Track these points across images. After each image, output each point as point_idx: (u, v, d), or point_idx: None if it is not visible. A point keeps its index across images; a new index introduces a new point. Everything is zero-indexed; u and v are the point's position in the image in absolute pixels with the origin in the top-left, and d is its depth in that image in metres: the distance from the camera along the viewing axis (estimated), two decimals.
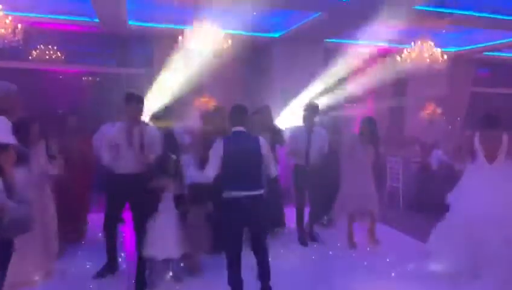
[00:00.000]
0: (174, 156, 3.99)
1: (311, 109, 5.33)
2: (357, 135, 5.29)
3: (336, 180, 5.77)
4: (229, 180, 3.51)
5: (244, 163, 3.51)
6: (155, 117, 4.85)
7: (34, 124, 3.81)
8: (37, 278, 3.84)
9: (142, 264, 3.94)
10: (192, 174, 3.84)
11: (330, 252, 5.07)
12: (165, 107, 5.35)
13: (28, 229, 1.73)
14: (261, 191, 3.58)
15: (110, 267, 4.21)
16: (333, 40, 8.63)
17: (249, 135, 3.71)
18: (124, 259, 4.59)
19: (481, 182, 4.07)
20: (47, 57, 8.33)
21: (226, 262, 3.61)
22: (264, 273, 3.65)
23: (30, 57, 8.35)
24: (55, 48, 8.37)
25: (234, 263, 3.57)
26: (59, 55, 8.41)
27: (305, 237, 5.34)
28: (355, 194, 5.12)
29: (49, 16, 7.39)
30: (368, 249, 5.19)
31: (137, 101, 4.03)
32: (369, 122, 5.18)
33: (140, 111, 4.07)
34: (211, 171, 3.52)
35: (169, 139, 4.52)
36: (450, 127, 10.26)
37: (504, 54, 10.00)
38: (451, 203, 4.36)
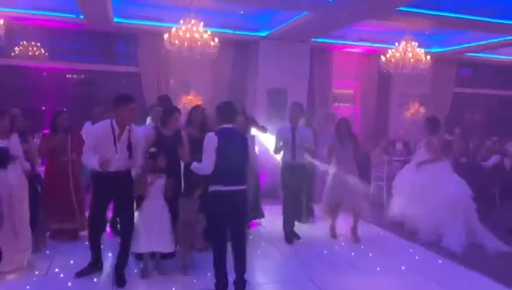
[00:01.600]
0: (153, 149, 4.08)
1: (297, 108, 5.46)
2: (334, 133, 5.62)
3: (311, 179, 5.91)
4: (219, 174, 3.59)
5: (233, 158, 3.61)
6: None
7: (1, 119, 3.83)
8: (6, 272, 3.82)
9: (123, 259, 3.97)
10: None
11: (312, 248, 5.13)
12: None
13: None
14: (245, 186, 3.73)
15: (93, 266, 4.16)
16: (320, 39, 8.69)
17: (238, 132, 3.87)
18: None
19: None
20: (30, 53, 8.19)
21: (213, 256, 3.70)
22: (240, 265, 3.71)
23: (12, 54, 8.20)
24: (38, 44, 8.23)
25: (221, 256, 3.67)
26: (42, 51, 8.27)
27: (291, 235, 5.39)
28: (336, 187, 5.42)
29: (33, 12, 7.26)
30: (351, 245, 5.28)
31: (134, 104, 3.89)
32: (344, 123, 5.56)
33: (136, 115, 3.96)
34: (210, 164, 3.60)
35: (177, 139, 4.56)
36: None
37: (485, 55, 10.20)
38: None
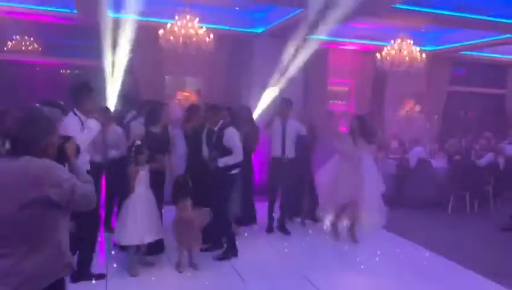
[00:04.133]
0: (138, 142, 4.08)
1: (286, 103, 5.56)
2: (347, 133, 5.46)
3: (308, 175, 5.88)
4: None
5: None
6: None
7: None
8: None
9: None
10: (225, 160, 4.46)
11: (306, 246, 5.13)
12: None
13: (93, 204, 1.99)
14: None
15: None
16: (315, 36, 8.66)
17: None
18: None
19: None
20: (23, 48, 8.10)
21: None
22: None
23: (5, 48, 8.11)
24: (31, 38, 8.14)
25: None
26: (36, 46, 8.18)
27: (272, 225, 5.59)
28: (345, 190, 5.19)
29: (26, 6, 7.19)
30: (345, 243, 5.28)
31: (95, 92, 3.89)
32: (359, 121, 5.33)
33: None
34: (242, 152, 4.53)
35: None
36: (428, 125, 10.46)
37: (480, 54, 10.23)
38: None
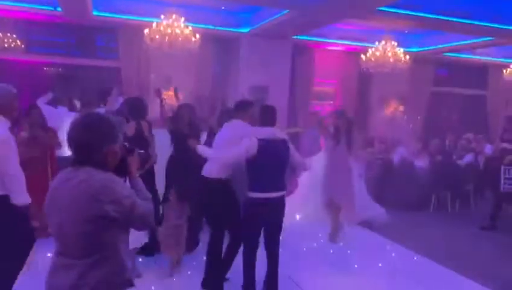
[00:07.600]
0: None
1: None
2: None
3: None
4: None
5: None
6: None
7: None
8: None
9: None
10: None
11: (291, 246, 5.17)
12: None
13: (152, 223, 1.97)
14: None
15: None
16: (301, 36, 8.73)
17: None
18: None
19: None
20: (6, 45, 7.96)
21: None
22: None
23: None
24: (14, 36, 8.00)
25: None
26: (19, 44, 8.05)
27: None
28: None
29: (9, 3, 7.08)
30: (330, 243, 5.34)
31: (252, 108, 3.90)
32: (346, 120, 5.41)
33: None
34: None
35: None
36: (410, 125, 10.63)
37: (462, 55, 10.43)
38: None
